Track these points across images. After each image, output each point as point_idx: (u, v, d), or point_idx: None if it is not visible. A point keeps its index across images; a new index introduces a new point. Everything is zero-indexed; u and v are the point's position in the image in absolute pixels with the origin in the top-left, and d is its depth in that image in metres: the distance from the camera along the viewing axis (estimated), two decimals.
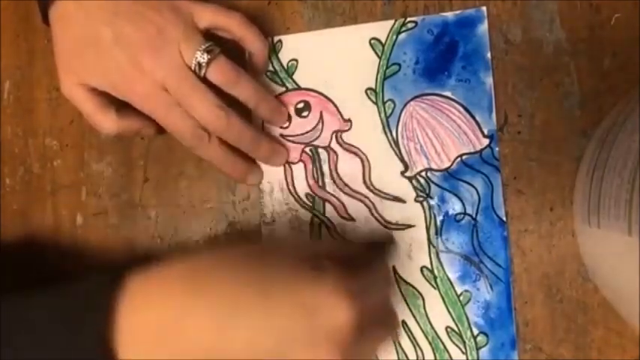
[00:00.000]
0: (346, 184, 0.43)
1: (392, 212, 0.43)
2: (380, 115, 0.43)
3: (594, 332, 0.41)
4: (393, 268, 0.43)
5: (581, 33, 0.41)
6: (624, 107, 0.37)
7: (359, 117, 0.44)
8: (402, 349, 0.42)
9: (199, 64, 0.40)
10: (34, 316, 0.33)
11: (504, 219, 0.42)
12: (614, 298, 0.39)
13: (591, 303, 0.41)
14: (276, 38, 0.45)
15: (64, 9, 0.41)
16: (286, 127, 0.44)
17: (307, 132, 0.44)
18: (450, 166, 0.42)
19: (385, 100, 0.43)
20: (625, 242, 0.32)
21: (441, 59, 0.43)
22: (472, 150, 0.42)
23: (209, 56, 0.40)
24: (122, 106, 0.42)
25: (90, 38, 0.40)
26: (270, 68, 0.45)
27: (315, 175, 0.44)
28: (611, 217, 0.34)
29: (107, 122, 0.42)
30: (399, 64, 0.43)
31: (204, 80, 0.40)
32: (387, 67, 0.43)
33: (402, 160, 0.43)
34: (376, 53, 0.44)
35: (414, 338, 0.42)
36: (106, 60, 0.40)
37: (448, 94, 0.43)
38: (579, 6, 0.42)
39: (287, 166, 0.44)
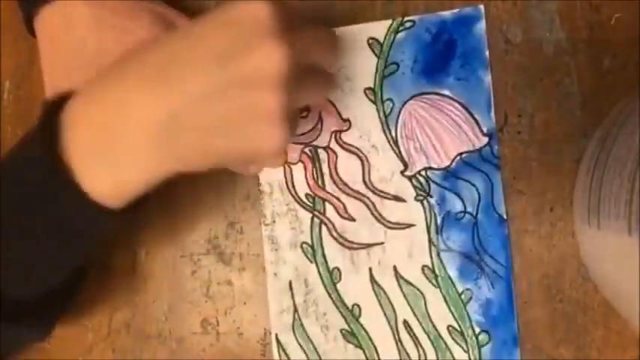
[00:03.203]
0: (346, 184, 0.43)
1: (392, 211, 0.43)
2: (379, 115, 0.43)
3: (594, 332, 0.41)
4: (394, 267, 0.43)
5: (581, 33, 0.41)
6: (624, 107, 0.37)
7: (358, 117, 0.44)
8: (405, 349, 0.42)
9: None
10: None
11: (505, 217, 0.42)
12: (614, 298, 0.39)
13: (591, 303, 0.41)
14: None
15: (48, 20, 0.41)
16: None
17: (306, 132, 0.44)
18: (449, 165, 0.42)
19: (384, 99, 0.43)
20: (625, 242, 0.32)
21: (439, 58, 0.43)
22: (471, 148, 0.42)
23: None
24: None
25: (73, 50, 0.40)
26: None
27: (315, 176, 0.44)
28: (611, 217, 0.34)
29: None
30: (398, 64, 0.43)
31: None
32: (385, 67, 0.43)
33: (401, 159, 0.43)
34: (374, 53, 0.44)
35: (416, 338, 0.42)
36: (90, 71, 0.40)
37: (447, 92, 0.43)
38: (579, 6, 0.42)
39: (287, 166, 0.44)
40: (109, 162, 0.33)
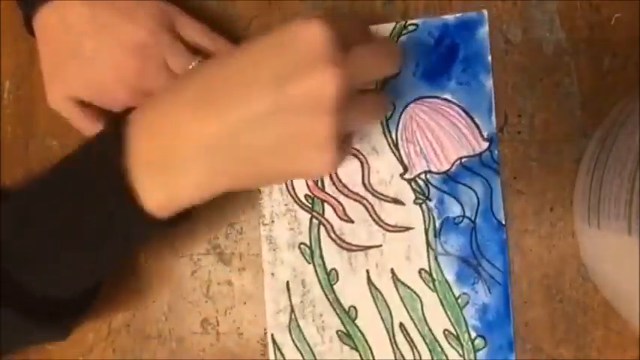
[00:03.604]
0: (345, 186, 0.43)
1: (391, 214, 0.43)
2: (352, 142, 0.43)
3: (594, 332, 0.41)
4: (392, 270, 0.43)
5: (581, 33, 0.41)
6: (624, 107, 0.37)
7: None
8: (400, 352, 0.42)
9: None
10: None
11: (503, 222, 0.42)
12: (614, 298, 0.39)
13: (591, 303, 0.41)
14: None
15: (46, 20, 0.41)
16: None
17: None
18: (449, 169, 0.42)
19: None
20: (625, 242, 0.32)
21: (441, 62, 0.43)
22: (472, 153, 0.42)
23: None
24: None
25: (71, 50, 0.41)
26: None
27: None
28: (611, 217, 0.34)
29: (95, 132, 0.42)
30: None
31: None
32: None
33: (401, 162, 0.43)
34: None
35: (412, 341, 0.42)
36: (87, 71, 0.41)
37: (448, 96, 0.43)
38: (579, 6, 0.42)
39: None
40: (165, 176, 0.34)
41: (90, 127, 0.42)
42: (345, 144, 0.34)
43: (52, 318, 0.39)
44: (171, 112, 0.34)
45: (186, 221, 0.37)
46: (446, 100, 0.43)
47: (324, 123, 0.32)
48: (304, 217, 0.44)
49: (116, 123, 0.35)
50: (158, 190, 0.34)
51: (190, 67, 0.40)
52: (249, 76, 0.32)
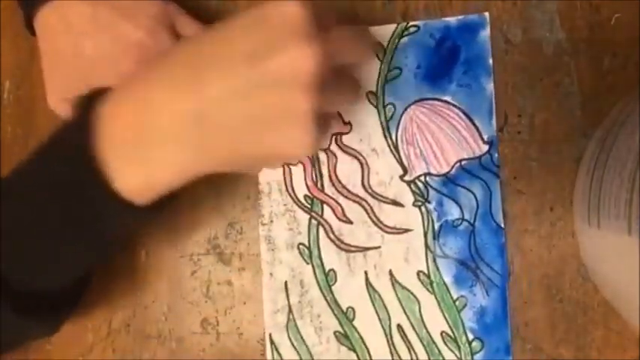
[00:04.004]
0: (345, 187, 0.43)
1: (390, 216, 0.43)
2: (380, 119, 0.43)
3: (594, 332, 0.41)
4: (390, 271, 0.43)
5: (581, 33, 0.41)
6: (624, 107, 0.37)
7: (359, 120, 0.43)
8: (397, 353, 0.42)
9: None
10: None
11: (502, 225, 0.42)
12: (614, 298, 0.39)
13: (591, 303, 0.41)
14: None
15: (47, 20, 0.41)
16: None
17: None
18: (449, 172, 0.42)
19: (386, 103, 0.43)
20: (625, 242, 0.32)
21: (442, 64, 0.43)
22: (471, 155, 0.42)
23: None
24: None
25: (72, 50, 0.41)
26: None
27: (314, 177, 0.44)
28: (611, 217, 0.34)
29: None
30: (401, 68, 0.43)
31: None
32: (388, 71, 0.43)
33: (401, 164, 0.43)
34: (378, 57, 0.43)
35: (409, 342, 0.42)
36: (87, 71, 0.41)
37: (449, 99, 0.43)
38: (579, 6, 0.41)
39: (286, 167, 0.44)
40: (141, 159, 0.33)
41: None
42: (323, 126, 0.34)
43: (39, 313, 0.38)
44: (145, 91, 0.33)
45: (169, 209, 0.36)
46: (446, 102, 0.43)
47: (302, 98, 0.31)
48: (303, 217, 0.44)
49: (84, 107, 0.34)
50: (134, 172, 0.33)
51: None
52: (225, 52, 0.32)
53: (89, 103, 0.34)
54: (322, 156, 0.44)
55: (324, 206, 0.44)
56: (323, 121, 0.33)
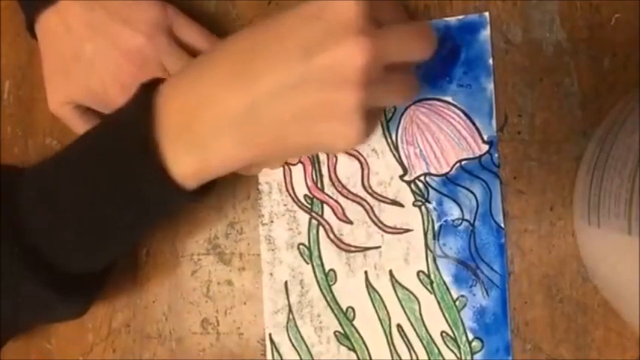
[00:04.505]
0: (345, 187, 0.43)
1: (390, 216, 0.43)
2: (380, 119, 0.43)
3: (594, 332, 0.41)
4: (390, 271, 0.43)
5: (581, 33, 0.41)
6: (624, 107, 0.37)
7: None
8: (397, 353, 0.42)
9: None
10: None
11: (502, 225, 0.42)
12: (614, 299, 0.39)
13: (591, 303, 0.41)
14: None
15: (47, 24, 0.41)
16: None
17: None
18: (448, 172, 0.42)
19: None
20: (625, 241, 0.32)
21: (442, 64, 0.43)
22: (471, 155, 0.42)
23: None
24: None
25: (72, 53, 0.41)
26: None
27: (314, 177, 0.44)
28: (611, 216, 0.34)
29: None
30: None
31: None
32: None
33: (401, 164, 0.43)
34: None
35: (409, 342, 0.42)
36: (87, 75, 0.41)
37: (449, 99, 0.43)
38: (579, 6, 0.41)
39: (286, 167, 0.44)
40: (195, 147, 0.34)
41: None
42: (372, 118, 0.34)
43: (73, 293, 0.39)
44: (200, 84, 0.34)
45: (207, 197, 0.38)
46: (446, 102, 0.43)
47: (349, 95, 0.31)
48: (303, 217, 0.44)
49: (146, 93, 0.35)
50: (188, 159, 0.34)
51: None
52: (277, 47, 0.32)
53: (145, 91, 0.35)
54: (322, 156, 0.44)
55: (324, 206, 0.44)
56: (372, 116, 0.34)
